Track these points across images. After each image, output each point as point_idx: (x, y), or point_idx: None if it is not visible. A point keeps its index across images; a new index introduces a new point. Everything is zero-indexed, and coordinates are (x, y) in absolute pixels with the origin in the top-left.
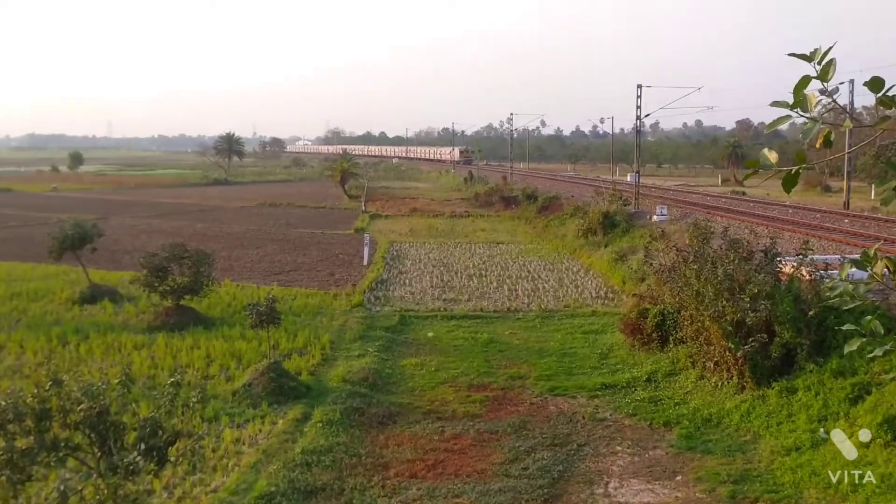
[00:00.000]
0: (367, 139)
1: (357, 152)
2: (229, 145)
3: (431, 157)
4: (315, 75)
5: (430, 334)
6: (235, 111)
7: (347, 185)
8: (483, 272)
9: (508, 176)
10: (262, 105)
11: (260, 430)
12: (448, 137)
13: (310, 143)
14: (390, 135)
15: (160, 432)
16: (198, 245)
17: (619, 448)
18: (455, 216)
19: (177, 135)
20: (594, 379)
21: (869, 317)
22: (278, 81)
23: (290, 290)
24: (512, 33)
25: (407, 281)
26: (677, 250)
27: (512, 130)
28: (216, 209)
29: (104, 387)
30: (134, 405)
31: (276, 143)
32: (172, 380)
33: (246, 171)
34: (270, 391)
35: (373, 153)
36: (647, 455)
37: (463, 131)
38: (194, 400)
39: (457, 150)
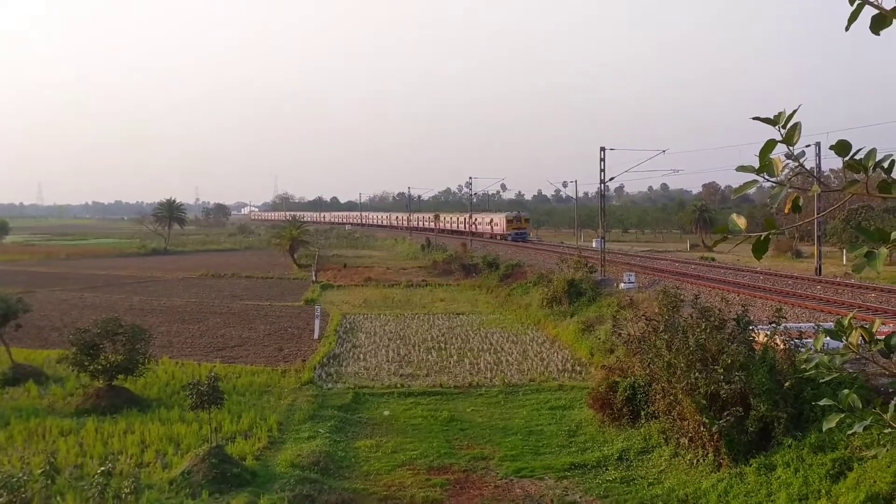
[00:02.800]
0: (318, 205)
1: (316, 219)
2: (170, 212)
3: (457, 227)
4: (262, 137)
5: (386, 413)
6: (176, 176)
7: (297, 253)
8: (443, 345)
9: (468, 243)
10: (205, 169)
11: None
12: (404, 202)
13: (257, 209)
14: (342, 200)
15: None
16: (133, 320)
17: None
18: (412, 286)
19: (112, 201)
20: (562, 458)
21: (847, 391)
22: (222, 144)
23: (234, 367)
24: (470, 96)
25: (361, 355)
26: (647, 319)
27: (471, 195)
28: (155, 281)
29: (25, 478)
30: (59, 498)
31: (221, 209)
32: (102, 469)
33: (188, 239)
34: (212, 479)
35: (337, 220)
36: None
37: (420, 196)
38: (126, 491)
39: (503, 218)
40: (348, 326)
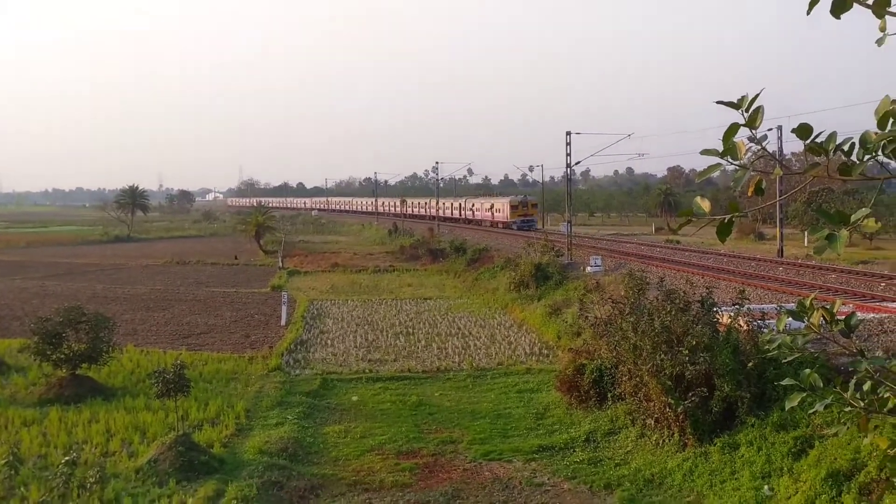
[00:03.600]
0: (284, 191)
1: (282, 205)
2: (132, 199)
3: (457, 214)
4: (226, 122)
5: (354, 398)
6: (139, 162)
7: (263, 239)
8: (410, 330)
9: (435, 228)
10: (169, 155)
11: None
12: (370, 188)
13: (221, 195)
14: (308, 185)
15: None
16: (97, 308)
17: None
18: (379, 271)
19: (73, 188)
20: (530, 441)
21: (808, 370)
22: (186, 129)
23: (200, 354)
24: (434, 81)
25: (329, 341)
26: (613, 302)
27: (438, 180)
28: (118, 268)
29: None
30: (22, 489)
31: (185, 195)
32: (67, 459)
33: (151, 226)
34: (179, 467)
35: (303, 206)
36: None
37: (386, 181)
38: (92, 480)
39: (506, 204)
40: (316, 312)
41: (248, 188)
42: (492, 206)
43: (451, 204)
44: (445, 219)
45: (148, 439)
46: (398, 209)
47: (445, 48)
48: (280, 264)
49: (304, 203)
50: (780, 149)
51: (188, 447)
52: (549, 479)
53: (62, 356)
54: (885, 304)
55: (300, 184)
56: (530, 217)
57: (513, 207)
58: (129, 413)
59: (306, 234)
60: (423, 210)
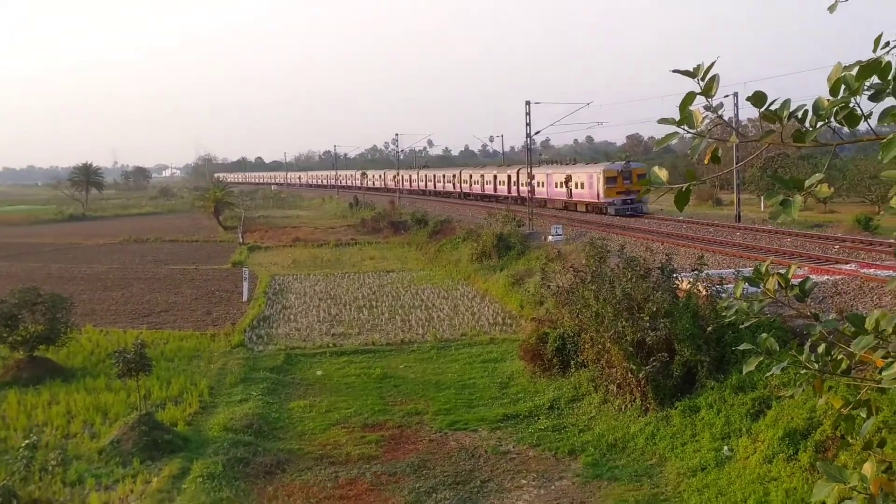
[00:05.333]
0: (242, 165)
1: (241, 180)
2: (86, 177)
3: (486, 190)
4: (181, 97)
5: (318, 373)
6: (92, 139)
7: (222, 215)
8: (374, 303)
9: (397, 200)
10: (123, 131)
11: (131, 491)
12: (330, 161)
13: (178, 171)
14: (267, 160)
15: (14, 502)
16: (53, 288)
17: (524, 482)
18: (341, 245)
19: (25, 167)
20: (495, 410)
21: (765, 335)
22: (140, 104)
23: (161, 332)
24: (393, 52)
25: (291, 316)
26: (574, 271)
27: (398, 152)
28: (74, 248)
29: None
30: None
31: (141, 172)
32: (27, 442)
33: (107, 204)
34: (142, 446)
35: (263, 180)
36: (553, 487)
37: (346, 154)
38: (53, 463)
39: (597, 174)
40: (277, 288)
41: (205, 163)
42: (568, 180)
43: (481, 177)
44: (467, 195)
45: (110, 420)
46: (396, 183)
47: (402, 18)
48: (240, 240)
49: (287, 177)
50: (737, 115)
51: (151, 426)
52: (514, 446)
53: (19, 338)
54: (838, 266)
55: (259, 158)
56: (634, 195)
57: (609, 180)
58: (89, 394)
59: (266, 209)
60: (426, 184)
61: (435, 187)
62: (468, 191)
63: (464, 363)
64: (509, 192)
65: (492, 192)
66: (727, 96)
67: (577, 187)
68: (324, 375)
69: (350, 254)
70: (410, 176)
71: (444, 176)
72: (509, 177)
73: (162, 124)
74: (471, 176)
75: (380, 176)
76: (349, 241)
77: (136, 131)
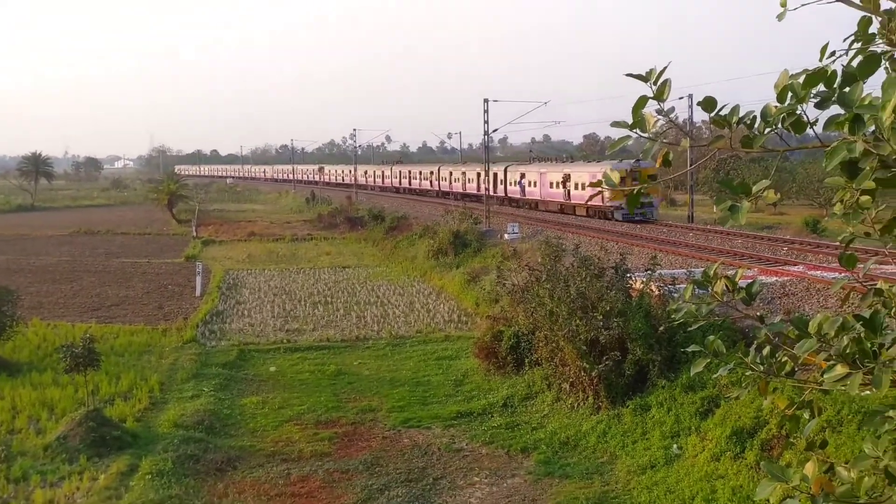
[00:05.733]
0: (197, 158)
1: (197, 173)
2: (35, 166)
3: (467, 189)
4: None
5: (272, 369)
6: (43, 128)
7: (176, 208)
8: (329, 299)
9: (353, 195)
10: (75, 121)
11: (78, 489)
12: (287, 155)
13: (131, 162)
14: (223, 153)
15: None
16: None
17: (476, 479)
18: (297, 240)
19: None
20: (449, 407)
21: (712, 337)
22: (93, 93)
23: (111, 327)
24: (352, 46)
25: (245, 312)
26: (530, 269)
27: (356, 147)
28: (21, 238)
29: None
30: None
31: (92, 163)
32: None
33: (57, 195)
34: (90, 443)
35: (218, 173)
36: (505, 484)
37: (303, 148)
38: None
39: (604, 171)
40: (231, 282)
41: (159, 155)
42: (566, 180)
43: (462, 174)
44: (446, 194)
45: (56, 415)
46: (367, 179)
47: (359, 13)
48: (194, 234)
49: (264, 172)
50: (691, 118)
51: (99, 422)
52: (467, 444)
53: None
54: (787, 267)
55: (214, 151)
56: (645, 199)
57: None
58: (35, 389)
59: (221, 202)
60: (400, 181)
61: (410, 185)
62: (447, 189)
63: (419, 360)
64: (495, 191)
65: (474, 192)
66: (682, 98)
67: (576, 188)
68: (277, 372)
69: (306, 249)
70: (383, 172)
71: (420, 173)
72: (495, 175)
73: (116, 115)
74: (451, 173)
75: (349, 172)
76: (305, 236)
77: (88, 121)
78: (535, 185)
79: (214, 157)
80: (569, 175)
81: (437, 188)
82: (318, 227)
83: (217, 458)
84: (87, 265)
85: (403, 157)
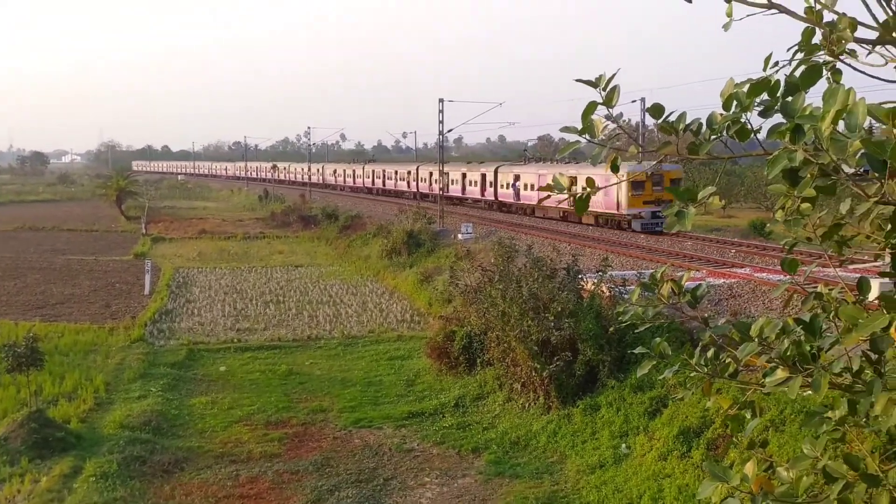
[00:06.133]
0: (148, 153)
1: (147, 169)
2: None
3: (467, 192)
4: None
5: (222, 368)
6: None
7: (125, 205)
8: (281, 298)
9: (307, 193)
10: (21, 114)
11: (19, 491)
12: (240, 152)
13: (79, 157)
14: (175, 149)
15: None
16: None
17: (427, 479)
18: (249, 238)
19: None
20: (401, 408)
21: (658, 339)
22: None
23: (56, 325)
24: (307, 44)
25: (195, 310)
26: (482, 270)
27: (310, 145)
28: None
29: None
30: None
31: (38, 157)
32: None
33: (0, 189)
34: (32, 444)
35: (169, 170)
36: (455, 484)
37: (256, 145)
38: None
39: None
40: (181, 281)
41: (108, 150)
42: (571, 185)
43: (463, 176)
44: (424, 196)
45: None
46: (336, 178)
47: (316, 13)
48: (143, 231)
49: (226, 169)
50: (643, 121)
51: (42, 424)
52: (418, 444)
53: None
54: (734, 270)
55: (165, 146)
56: (666, 205)
57: (635, 186)
58: None
59: (172, 199)
60: (373, 181)
61: (384, 185)
62: (426, 191)
63: (371, 360)
64: (482, 194)
65: (458, 195)
66: (634, 101)
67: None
68: (227, 371)
69: (258, 247)
70: (354, 171)
71: (396, 173)
72: (483, 176)
73: (63, 109)
74: (430, 174)
75: (318, 170)
76: (258, 234)
77: (34, 115)
78: (531, 189)
79: (166, 153)
80: (574, 179)
81: (416, 189)
82: (270, 225)
83: (164, 459)
84: (31, 262)
85: (357, 155)
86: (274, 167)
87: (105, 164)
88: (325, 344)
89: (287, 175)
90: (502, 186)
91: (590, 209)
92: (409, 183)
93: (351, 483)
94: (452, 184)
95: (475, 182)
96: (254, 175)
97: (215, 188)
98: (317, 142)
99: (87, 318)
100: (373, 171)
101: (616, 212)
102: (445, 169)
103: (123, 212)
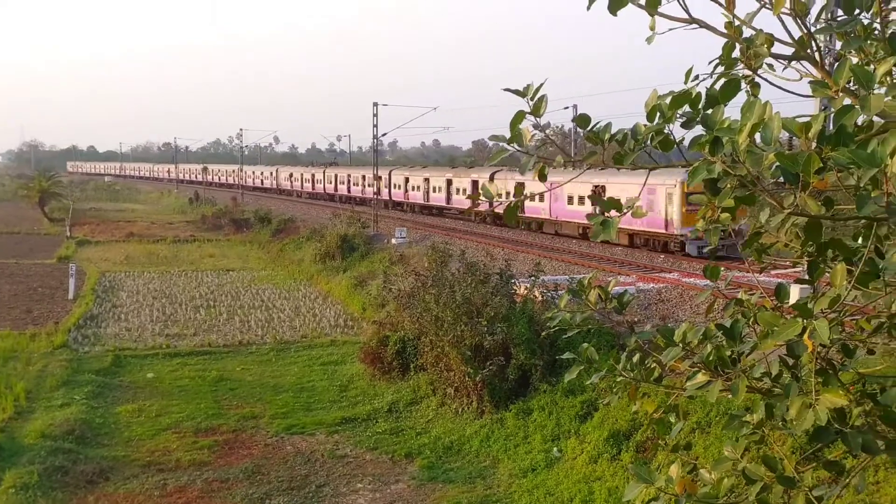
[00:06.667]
0: (73, 154)
1: (73, 170)
2: None
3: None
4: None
5: (150, 375)
6: None
7: (48, 206)
8: (212, 303)
9: (239, 196)
10: None
11: None
12: (170, 154)
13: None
14: (101, 149)
15: None
16: None
17: (360, 485)
18: (179, 241)
19: None
20: (334, 413)
21: (585, 345)
22: None
23: None
24: (239, 45)
25: (122, 316)
26: (416, 275)
27: (242, 147)
28: None
29: None
30: None
31: None
32: None
33: None
34: None
35: (96, 171)
36: (388, 490)
37: (187, 147)
38: None
39: (672, 188)
40: (108, 285)
41: (31, 150)
42: (599, 195)
43: (425, 181)
44: (398, 205)
45: None
46: (292, 183)
47: (248, 14)
48: (68, 233)
49: (156, 170)
50: (575, 127)
51: None
52: (351, 450)
53: None
54: (663, 275)
55: (91, 147)
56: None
57: (690, 198)
58: None
59: (99, 201)
60: (336, 186)
61: (350, 192)
62: (401, 199)
63: (303, 365)
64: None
65: (442, 204)
66: (567, 108)
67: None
68: (155, 378)
69: (188, 251)
70: (313, 175)
71: (363, 178)
72: (475, 183)
73: None
74: (406, 179)
75: (271, 174)
76: (188, 237)
77: None
78: (541, 200)
79: (92, 154)
80: (603, 188)
81: (388, 197)
82: (201, 228)
83: (88, 469)
84: None
85: (291, 157)
86: (205, 169)
87: (28, 164)
88: (256, 349)
89: (219, 177)
90: (501, 196)
91: (625, 225)
92: (379, 190)
93: (282, 490)
94: (434, 191)
95: (462, 190)
96: (184, 177)
97: (144, 190)
98: (249, 144)
99: (6, 323)
100: (335, 177)
101: (664, 231)
102: (425, 174)
103: (47, 214)
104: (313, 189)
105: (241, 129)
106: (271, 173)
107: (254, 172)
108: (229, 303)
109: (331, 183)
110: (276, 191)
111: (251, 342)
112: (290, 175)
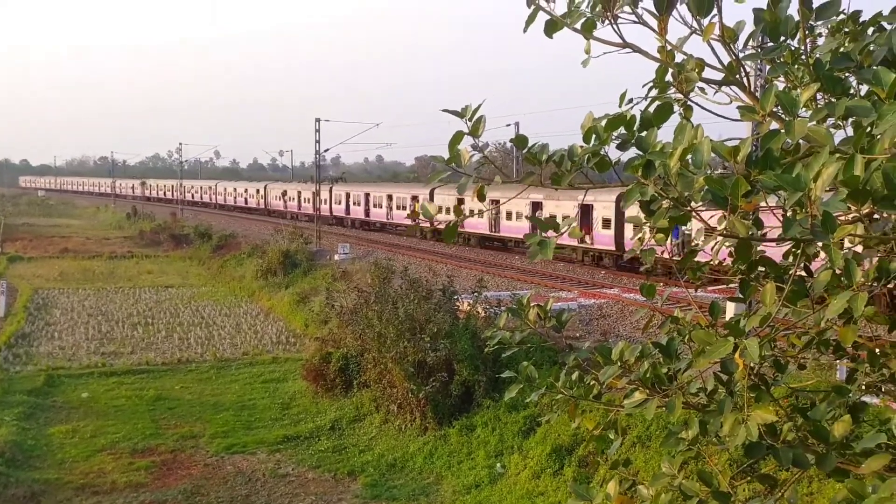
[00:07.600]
0: (5, 168)
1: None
2: None
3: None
4: None
5: (84, 395)
6: None
7: None
8: (150, 320)
9: (179, 212)
10: None
11: None
12: (107, 168)
13: None
14: (34, 163)
15: None
16: None
17: None
18: (116, 257)
19: None
20: (275, 432)
21: (525, 363)
22: None
23: None
24: (177, 59)
25: (56, 334)
26: (359, 291)
27: (181, 161)
28: None
29: None
30: None
31: None
32: None
33: None
34: None
35: (29, 185)
36: None
37: (125, 161)
38: None
39: None
40: (41, 302)
41: None
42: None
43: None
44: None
45: None
46: (286, 202)
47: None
48: None
49: (92, 185)
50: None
51: None
52: (293, 469)
53: None
54: (604, 290)
55: (24, 160)
56: None
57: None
58: None
59: (32, 216)
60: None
61: (368, 216)
62: (342, 214)
63: (244, 383)
64: (493, 228)
65: (383, 220)
66: (509, 125)
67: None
68: (90, 398)
69: (126, 267)
70: (299, 193)
71: (299, 193)
72: (415, 199)
73: None
74: (348, 195)
75: (210, 188)
76: (125, 253)
77: None
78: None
79: (24, 167)
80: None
81: (329, 213)
82: (139, 244)
83: (19, 493)
84: None
85: (232, 172)
86: (143, 183)
87: None
88: (196, 367)
89: (158, 192)
90: (510, 218)
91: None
92: (320, 205)
93: None
94: (376, 206)
95: (404, 206)
96: (122, 192)
97: (80, 205)
98: (189, 158)
99: None
100: (346, 195)
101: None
102: (365, 189)
103: None
104: (300, 208)
105: (180, 144)
106: (210, 188)
107: (193, 187)
108: (168, 320)
109: (339, 203)
110: (216, 206)
111: (191, 360)
112: (233, 189)
